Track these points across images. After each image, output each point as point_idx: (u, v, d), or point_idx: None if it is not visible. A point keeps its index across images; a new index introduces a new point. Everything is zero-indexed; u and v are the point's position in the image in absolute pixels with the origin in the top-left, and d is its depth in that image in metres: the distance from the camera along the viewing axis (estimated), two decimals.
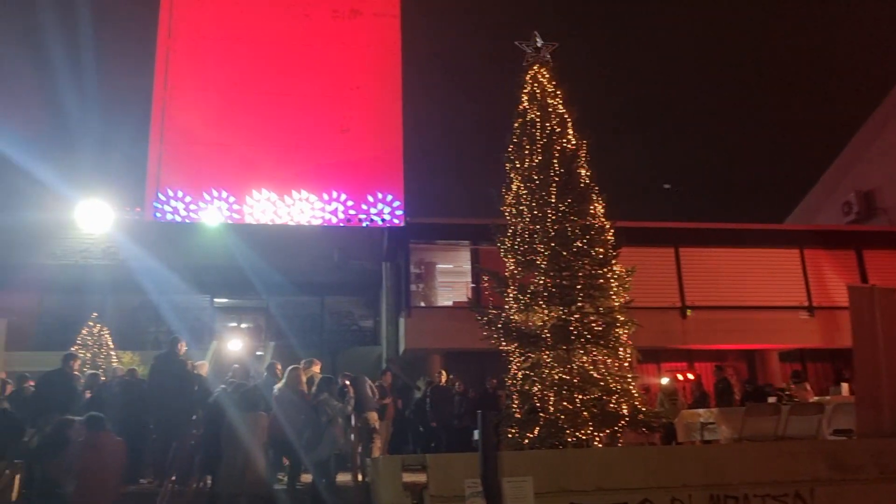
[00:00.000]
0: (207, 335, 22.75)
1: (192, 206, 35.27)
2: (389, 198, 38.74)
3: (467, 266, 21.37)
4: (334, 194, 37.17)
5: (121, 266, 22.19)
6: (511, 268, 11.19)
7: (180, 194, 35.44)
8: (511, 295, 10.97)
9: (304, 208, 35.58)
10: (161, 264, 21.47)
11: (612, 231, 11.21)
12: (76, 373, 11.50)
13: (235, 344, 20.61)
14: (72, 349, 16.79)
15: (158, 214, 35.26)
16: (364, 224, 32.56)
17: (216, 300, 26.11)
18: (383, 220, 35.27)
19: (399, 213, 36.98)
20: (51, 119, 34.88)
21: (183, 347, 10.36)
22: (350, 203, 37.99)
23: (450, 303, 22.16)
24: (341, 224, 31.84)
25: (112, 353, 18.82)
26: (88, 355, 17.92)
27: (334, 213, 36.21)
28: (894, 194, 23.56)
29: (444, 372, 16.53)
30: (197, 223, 24.84)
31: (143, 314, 24.55)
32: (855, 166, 26.24)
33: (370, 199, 38.16)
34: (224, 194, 33.27)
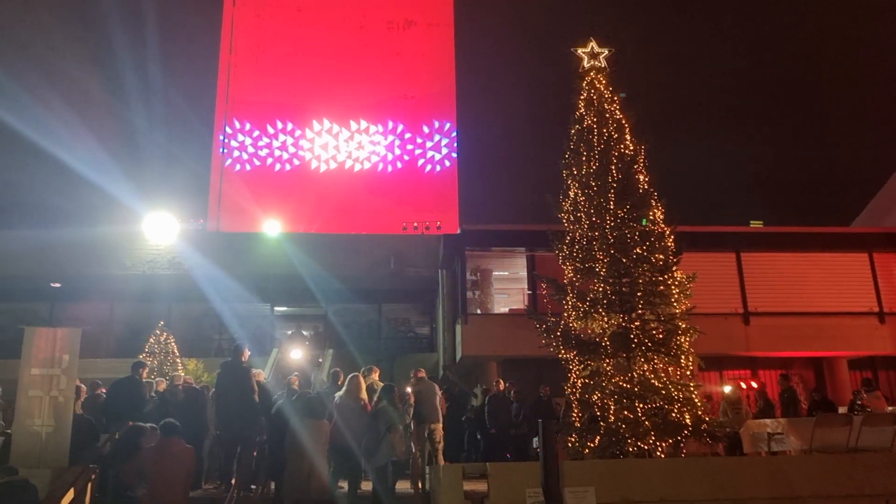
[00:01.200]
0: (268, 343, 23.25)
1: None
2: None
3: (523, 273, 21.29)
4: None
5: (185, 275, 22.86)
6: (570, 275, 11.13)
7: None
8: (570, 302, 10.91)
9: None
10: (223, 273, 22.03)
11: (672, 237, 11.05)
12: (144, 380, 11.89)
13: (296, 352, 20.99)
14: (140, 357, 17.39)
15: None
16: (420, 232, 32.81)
17: (276, 308, 26.67)
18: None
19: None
20: (121, 137, 36.35)
21: (246, 355, 10.60)
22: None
23: (506, 310, 22.10)
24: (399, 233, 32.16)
25: (177, 360, 19.37)
26: (155, 362, 18.49)
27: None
28: None
29: (501, 380, 16.51)
30: (258, 234, 25.43)
31: (206, 322, 25.23)
32: None
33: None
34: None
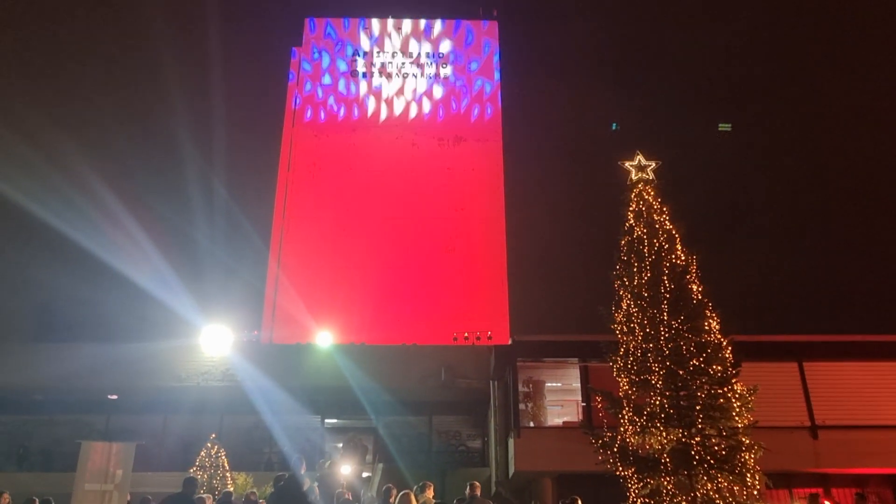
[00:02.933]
0: (318, 455, 22.97)
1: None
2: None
3: (576, 384, 20.84)
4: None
5: (237, 387, 23.06)
6: (625, 387, 10.90)
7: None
8: (626, 416, 10.62)
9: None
10: (275, 385, 22.18)
11: (730, 347, 10.80)
12: (197, 497, 11.82)
13: (345, 466, 20.66)
14: (190, 471, 17.33)
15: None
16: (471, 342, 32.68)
17: (327, 420, 26.50)
18: (490, 336, 35.63)
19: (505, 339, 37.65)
20: (182, 252, 37.89)
21: (304, 468, 10.56)
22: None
23: (560, 422, 21.52)
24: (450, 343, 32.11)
25: (227, 474, 19.21)
26: (205, 476, 18.36)
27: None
28: None
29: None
30: (309, 345, 25.70)
31: (257, 434, 25.17)
32: None
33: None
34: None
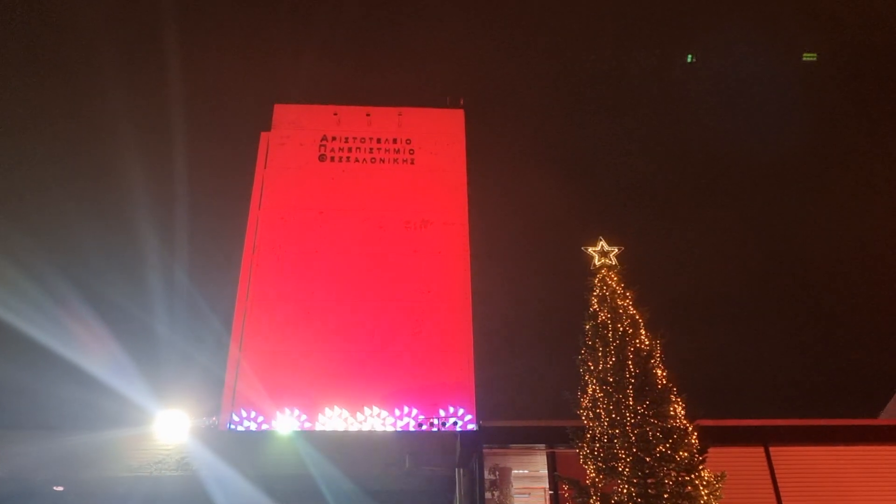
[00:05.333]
0: None
1: (265, 426, 36.23)
2: (461, 412, 38.69)
3: (544, 471, 20.41)
4: (406, 409, 37.58)
5: (193, 477, 22.12)
6: (591, 475, 10.72)
7: (254, 415, 36.53)
8: None
9: (375, 424, 35.75)
10: (233, 473, 21.36)
11: (696, 433, 10.75)
12: None
13: None
14: None
15: (233, 426, 36.12)
16: (435, 429, 32.06)
17: None
18: (456, 422, 34.88)
19: (471, 425, 36.79)
20: (137, 338, 37.03)
21: None
22: (421, 418, 38.26)
23: None
24: (414, 429, 31.43)
25: None
26: None
27: (405, 427, 36.25)
28: None
29: None
30: (269, 431, 24.93)
31: None
32: None
33: (441, 413, 38.23)
34: (296, 412, 33.88)
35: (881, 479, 19.71)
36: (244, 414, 35.67)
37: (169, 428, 21.29)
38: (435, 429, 31.74)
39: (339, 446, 23.28)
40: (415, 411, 36.28)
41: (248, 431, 27.87)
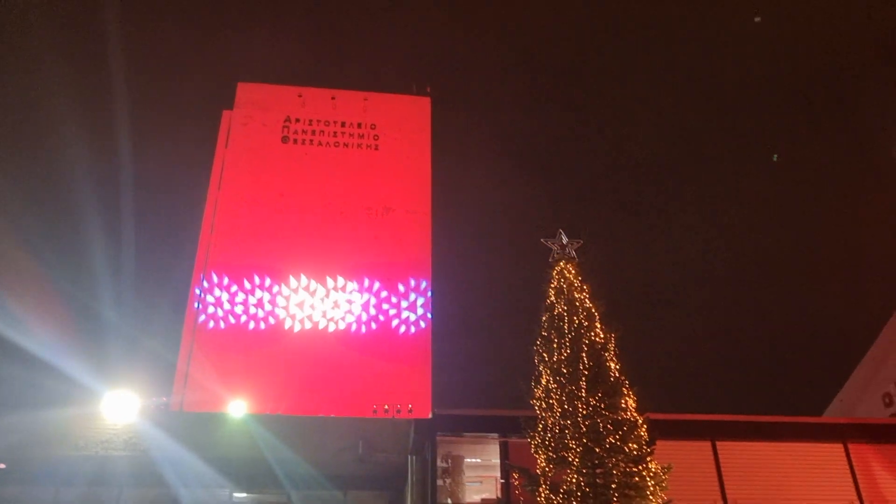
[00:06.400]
0: None
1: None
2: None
3: (496, 460, 20.57)
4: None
5: (142, 457, 21.76)
6: (542, 464, 10.83)
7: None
8: (543, 494, 10.52)
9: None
10: (182, 456, 21.06)
11: (646, 425, 10.93)
12: None
13: None
14: None
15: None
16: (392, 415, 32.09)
17: (235, 495, 25.16)
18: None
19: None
20: (85, 318, 36.22)
21: None
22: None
23: (478, 499, 21.11)
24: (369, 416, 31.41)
25: None
26: None
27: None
28: None
29: None
30: (221, 414, 24.64)
31: None
32: (890, 357, 25.72)
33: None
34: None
35: (822, 474, 20.33)
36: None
37: (117, 408, 20.87)
38: (390, 415, 31.74)
39: (291, 430, 23.12)
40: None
41: (199, 413, 27.48)
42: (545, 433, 10.97)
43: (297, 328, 39.02)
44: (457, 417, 21.25)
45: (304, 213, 41.17)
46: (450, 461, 21.52)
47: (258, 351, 36.65)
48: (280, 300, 39.23)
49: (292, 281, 39.59)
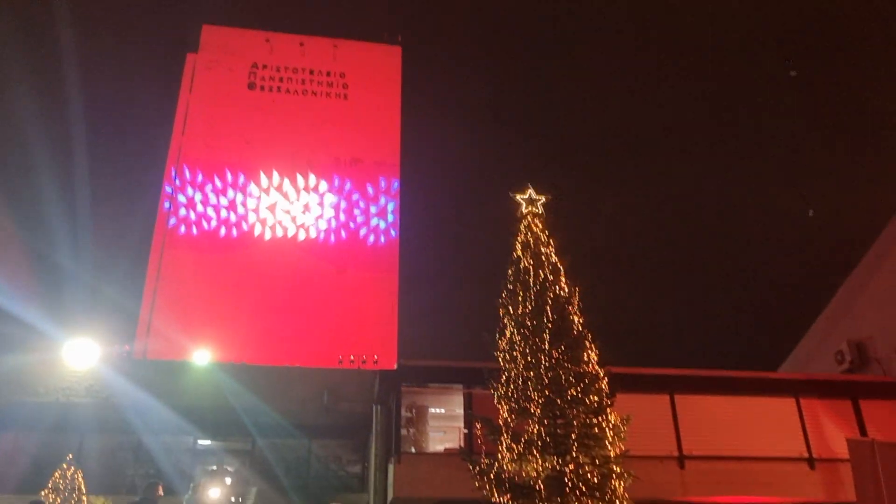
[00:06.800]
0: (188, 478, 21.84)
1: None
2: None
3: (460, 411, 20.88)
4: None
5: (104, 404, 21.64)
6: (504, 415, 10.99)
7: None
8: (504, 443, 10.70)
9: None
10: (145, 403, 20.99)
11: (606, 378, 11.13)
12: None
13: (214, 490, 19.74)
14: (42, 493, 16.09)
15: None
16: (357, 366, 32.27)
17: (199, 442, 25.27)
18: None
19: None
20: (40, 263, 35.50)
21: (160, 492, 9.92)
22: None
23: (441, 449, 21.47)
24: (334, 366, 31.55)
25: (84, 497, 17.89)
26: (58, 500, 17.03)
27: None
28: (886, 344, 23.56)
29: None
30: (185, 362, 24.53)
31: (121, 455, 23.66)
32: (845, 316, 26.46)
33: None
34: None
35: (773, 427, 21.03)
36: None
37: (77, 355, 20.61)
38: (356, 366, 31.93)
39: (256, 380, 23.14)
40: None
41: (162, 361, 27.34)
42: (508, 384, 11.11)
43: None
44: (422, 368, 21.45)
45: (271, 162, 40.56)
46: (414, 411, 21.78)
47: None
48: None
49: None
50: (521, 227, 12.37)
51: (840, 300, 27.20)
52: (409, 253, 40.93)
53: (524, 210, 12.53)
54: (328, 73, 43.61)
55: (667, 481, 19.57)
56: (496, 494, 10.43)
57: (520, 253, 12.11)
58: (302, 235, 39.93)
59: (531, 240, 12.14)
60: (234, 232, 39.02)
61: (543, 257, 11.89)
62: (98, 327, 24.49)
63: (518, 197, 12.63)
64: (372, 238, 40.37)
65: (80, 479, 17.99)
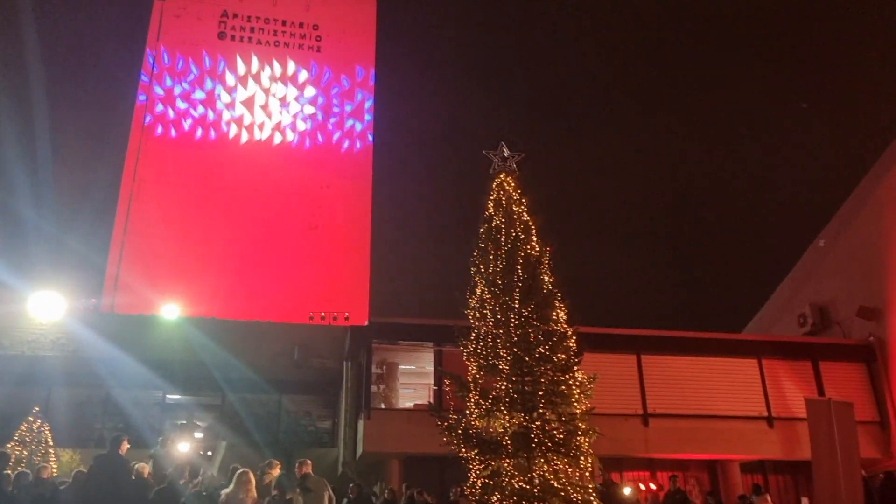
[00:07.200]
0: (156, 433, 21.83)
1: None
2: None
3: (430, 368, 21.09)
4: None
5: (70, 357, 21.44)
6: (473, 371, 11.08)
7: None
8: (472, 400, 10.81)
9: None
10: (113, 357, 20.81)
11: (574, 337, 11.25)
12: (6, 473, 10.89)
13: (183, 444, 19.76)
14: (8, 446, 15.99)
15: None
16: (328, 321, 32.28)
17: (168, 396, 25.19)
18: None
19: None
20: (3, 212, 34.69)
21: (125, 446, 9.90)
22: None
23: (411, 405, 21.72)
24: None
25: (51, 450, 17.81)
26: (25, 453, 16.95)
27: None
28: (847, 308, 24.16)
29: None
30: (154, 316, 24.30)
31: (89, 409, 23.51)
32: (809, 280, 27.01)
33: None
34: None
35: (736, 387, 21.59)
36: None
37: (43, 308, 20.30)
38: (327, 322, 31.94)
39: (227, 335, 23.04)
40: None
41: (130, 315, 27.07)
42: (478, 342, 11.18)
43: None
44: (392, 326, 21.55)
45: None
46: (384, 368, 21.95)
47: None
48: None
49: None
50: (494, 185, 12.33)
51: (805, 265, 27.74)
52: (382, 212, 40.74)
53: (497, 168, 12.47)
54: (301, 25, 42.59)
55: (631, 438, 20.06)
56: (464, 449, 10.57)
57: (492, 211, 12.08)
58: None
59: (503, 198, 12.11)
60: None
61: (515, 216, 11.88)
62: (64, 280, 24.07)
63: (491, 155, 12.55)
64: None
65: (47, 431, 17.90)
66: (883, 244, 23.39)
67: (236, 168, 38.48)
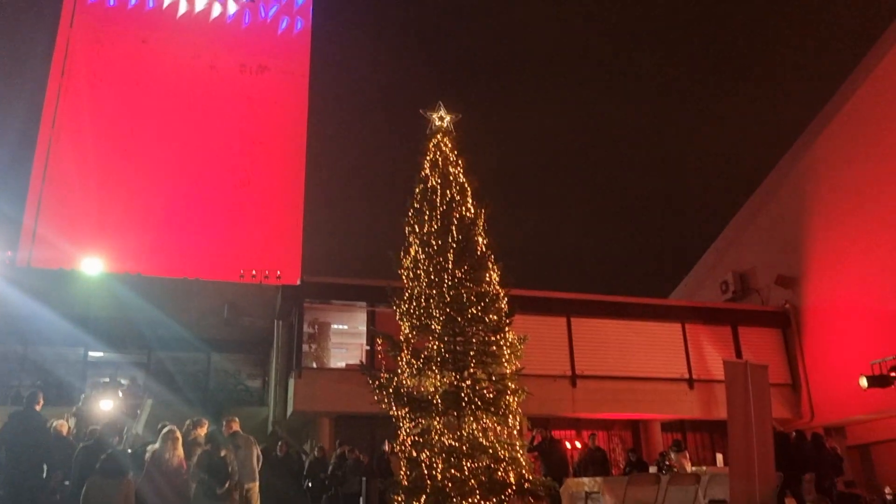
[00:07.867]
0: (77, 391, 21.17)
1: None
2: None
3: (363, 328, 21.06)
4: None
5: None
6: (406, 331, 11.09)
7: None
8: (404, 359, 10.84)
9: None
10: (32, 311, 19.99)
11: (506, 299, 11.37)
12: None
13: (106, 402, 19.23)
14: None
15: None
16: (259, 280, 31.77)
17: (91, 353, 24.44)
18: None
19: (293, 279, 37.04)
20: None
21: (41, 403, 9.58)
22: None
23: (343, 364, 21.68)
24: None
25: None
26: None
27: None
28: (766, 275, 25.22)
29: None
30: (75, 271, 23.38)
31: (5, 365, 22.61)
32: (732, 249, 28.03)
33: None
34: None
35: (660, 350, 22.39)
36: None
37: None
38: (258, 280, 31.43)
39: (153, 291, 22.40)
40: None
41: (50, 269, 25.98)
42: (411, 302, 11.18)
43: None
44: (325, 285, 21.36)
45: (170, 63, 38.21)
46: (316, 327, 21.81)
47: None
48: None
49: None
50: (431, 145, 12.22)
51: (729, 233, 28.76)
52: (314, 165, 40.05)
53: (434, 128, 12.36)
54: None
55: (559, 398, 20.62)
56: (394, 407, 10.63)
57: (428, 172, 11.99)
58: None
59: (440, 159, 12.03)
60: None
61: (451, 177, 11.84)
62: None
63: (428, 114, 12.42)
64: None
65: None
66: (801, 217, 24.43)
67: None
